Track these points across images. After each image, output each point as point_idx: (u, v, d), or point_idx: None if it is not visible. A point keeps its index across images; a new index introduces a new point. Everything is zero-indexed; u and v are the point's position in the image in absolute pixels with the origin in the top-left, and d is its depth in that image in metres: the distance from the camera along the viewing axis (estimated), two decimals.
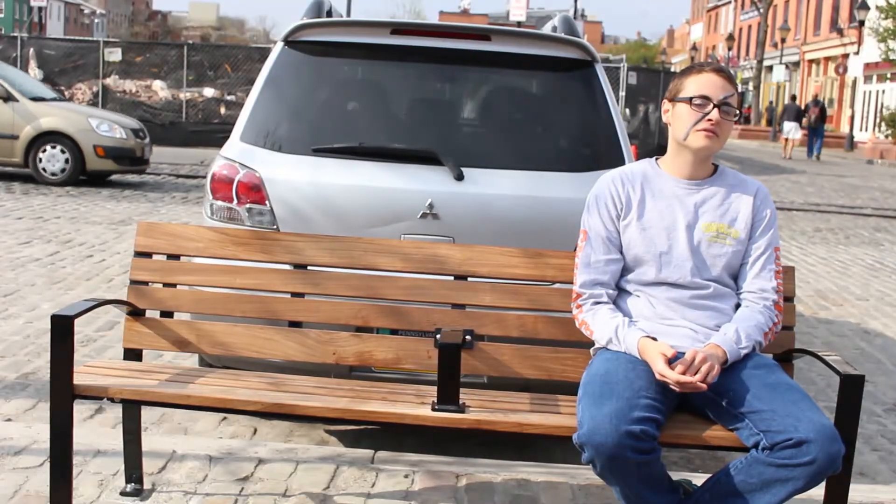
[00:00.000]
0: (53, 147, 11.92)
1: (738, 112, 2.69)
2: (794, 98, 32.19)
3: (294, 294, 3.09)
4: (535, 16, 49.87)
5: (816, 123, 28.74)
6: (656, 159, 2.82)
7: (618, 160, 3.60)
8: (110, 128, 12.16)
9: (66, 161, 11.90)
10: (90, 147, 11.85)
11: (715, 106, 2.61)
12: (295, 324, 3.10)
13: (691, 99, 2.64)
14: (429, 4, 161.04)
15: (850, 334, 6.34)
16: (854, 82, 39.70)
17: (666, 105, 2.74)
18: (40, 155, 11.89)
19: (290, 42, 3.85)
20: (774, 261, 2.75)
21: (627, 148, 3.72)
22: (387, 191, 3.57)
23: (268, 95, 3.78)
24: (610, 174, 2.82)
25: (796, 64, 47.68)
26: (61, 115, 12.15)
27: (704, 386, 2.46)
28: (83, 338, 5.12)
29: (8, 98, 11.87)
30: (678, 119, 2.68)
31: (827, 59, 44.02)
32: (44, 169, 11.93)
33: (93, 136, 11.87)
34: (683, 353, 2.52)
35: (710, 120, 2.61)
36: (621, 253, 2.75)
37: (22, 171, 12.44)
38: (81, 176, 12.10)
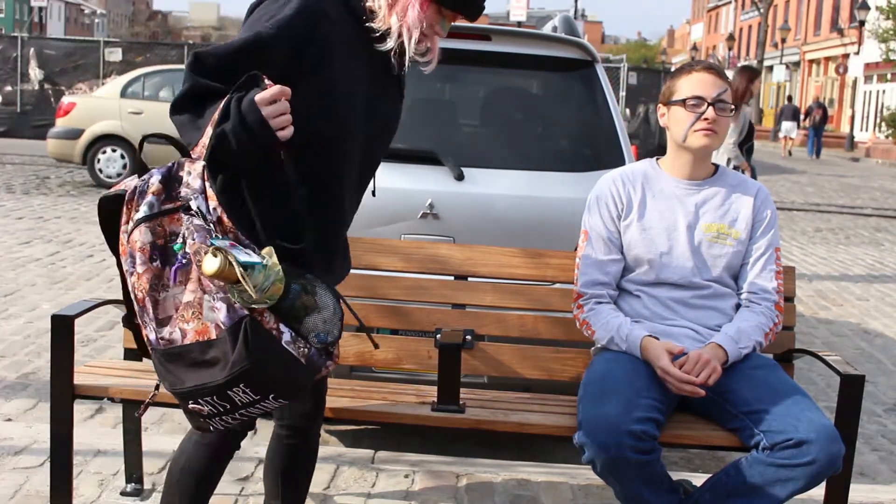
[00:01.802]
0: None
1: (733, 107, 2.69)
2: (790, 99, 32.97)
3: None
4: (536, 16, 49.81)
5: (819, 125, 29.38)
6: (657, 159, 2.82)
7: (618, 160, 3.60)
8: None
9: None
10: None
11: (709, 104, 2.62)
12: None
13: (685, 101, 2.64)
14: None
15: (851, 334, 6.34)
16: (854, 82, 39.70)
17: (661, 109, 2.75)
18: None
19: None
20: (775, 261, 2.75)
21: (628, 148, 3.72)
22: (387, 191, 3.55)
23: None
24: (611, 174, 2.82)
25: (797, 64, 47.67)
26: None
27: (703, 392, 2.47)
28: (83, 338, 5.12)
29: None
30: (675, 122, 2.69)
31: (827, 59, 44.01)
32: None
33: None
34: (686, 353, 2.53)
35: (706, 119, 2.62)
36: (622, 253, 2.75)
37: None
38: None
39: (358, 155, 2.22)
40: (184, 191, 2.01)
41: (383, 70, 2.23)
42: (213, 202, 2.00)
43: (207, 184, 2.01)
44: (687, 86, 2.66)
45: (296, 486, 2.59)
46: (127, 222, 2.03)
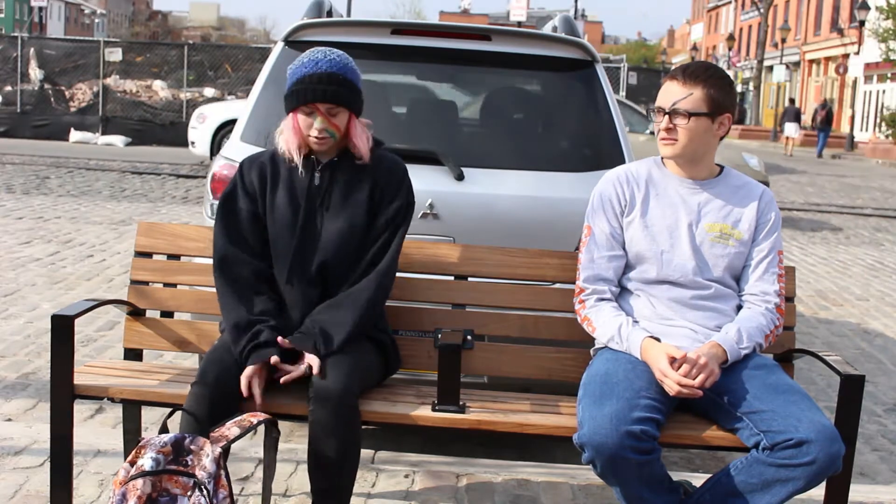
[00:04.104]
0: None
1: (690, 114, 2.60)
2: (792, 101, 33.44)
3: None
4: (536, 16, 49.87)
5: (823, 125, 29.92)
6: (662, 158, 2.81)
7: (618, 160, 3.60)
8: (759, 163, 11.90)
9: None
10: None
11: (666, 114, 2.64)
12: None
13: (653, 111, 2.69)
14: (429, 4, 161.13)
15: (851, 334, 6.34)
16: (854, 82, 39.69)
17: None
18: None
19: (290, 42, 3.85)
20: (777, 264, 2.76)
21: (628, 148, 3.71)
22: None
23: (268, 95, 3.78)
24: (615, 171, 2.82)
25: (797, 64, 47.65)
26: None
27: (700, 393, 2.47)
28: (83, 338, 5.12)
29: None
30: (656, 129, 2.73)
31: (827, 59, 43.99)
32: None
33: (746, 172, 11.35)
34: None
35: (664, 129, 2.65)
36: (624, 250, 2.76)
37: None
38: None
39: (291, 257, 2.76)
40: (199, 472, 2.35)
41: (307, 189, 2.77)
42: (223, 491, 2.37)
43: (222, 472, 2.37)
44: (659, 95, 2.69)
45: (321, 469, 2.57)
46: (133, 461, 2.37)
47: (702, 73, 2.65)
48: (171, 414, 2.54)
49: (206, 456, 2.38)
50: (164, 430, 2.50)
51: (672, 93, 2.64)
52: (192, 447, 2.40)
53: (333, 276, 2.75)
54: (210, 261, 3.11)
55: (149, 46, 25.56)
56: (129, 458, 2.39)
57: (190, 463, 2.37)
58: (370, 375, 2.75)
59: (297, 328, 2.71)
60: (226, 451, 2.47)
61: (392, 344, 2.89)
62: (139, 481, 2.32)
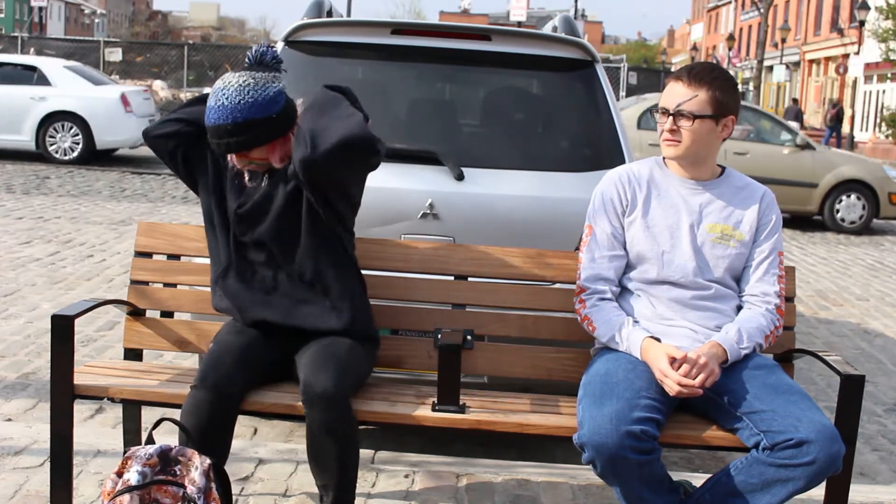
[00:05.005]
0: (849, 196, 11.70)
1: (695, 116, 2.60)
2: (795, 101, 33.55)
3: None
4: (536, 16, 49.93)
5: (832, 122, 30.87)
6: (663, 159, 2.81)
7: (618, 160, 3.60)
8: None
9: (863, 208, 11.71)
10: (885, 194, 11.68)
11: (670, 115, 2.63)
12: None
13: (657, 111, 2.69)
14: (429, 4, 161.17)
15: (851, 334, 6.34)
16: (854, 82, 39.70)
17: None
18: (837, 205, 11.68)
19: (290, 42, 3.85)
20: (778, 265, 2.76)
21: (628, 148, 3.71)
22: (387, 191, 3.56)
23: None
24: (617, 171, 2.82)
25: (797, 64, 47.65)
26: (859, 164, 12.09)
27: (701, 392, 2.47)
28: (83, 338, 5.12)
29: (805, 146, 11.66)
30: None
31: (827, 59, 44.00)
32: None
33: (888, 184, 11.70)
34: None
35: (667, 130, 2.64)
36: (625, 250, 2.76)
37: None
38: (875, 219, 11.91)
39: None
40: (189, 486, 2.34)
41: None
42: None
43: (213, 484, 2.36)
44: (663, 95, 2.69)
45: (321, 468, 2.58)
46: (120, 472, 2.39)
47: (707, 74, 2.64)
48: (156, 425, 2.55)
49: (194, 468, 2.36)
50: (150, 440, 2.50)
51: (677, 94, 2.64)
52: (179, 457, 2.39)
53: (279, 238, 2.73)
54: (209, 261, 3.11)
55: (149, 46, 25.59)
56: (116, 468, 2.39)
57: (179, 473, 2.36)
58: (360, 369, 2.74)
59: (246, 286, 2.76)
60: (216, 465, 2.47)
61: (374, 339, 2.89)
62: (126, 497, 2.32)
